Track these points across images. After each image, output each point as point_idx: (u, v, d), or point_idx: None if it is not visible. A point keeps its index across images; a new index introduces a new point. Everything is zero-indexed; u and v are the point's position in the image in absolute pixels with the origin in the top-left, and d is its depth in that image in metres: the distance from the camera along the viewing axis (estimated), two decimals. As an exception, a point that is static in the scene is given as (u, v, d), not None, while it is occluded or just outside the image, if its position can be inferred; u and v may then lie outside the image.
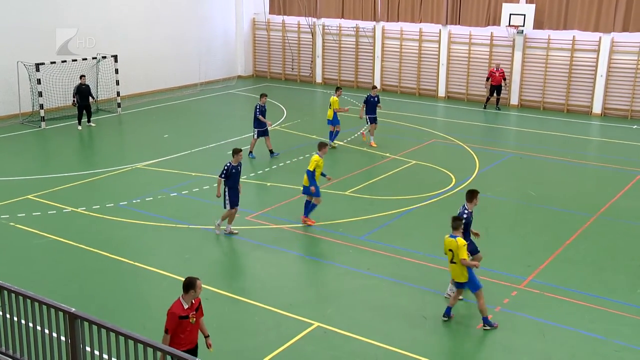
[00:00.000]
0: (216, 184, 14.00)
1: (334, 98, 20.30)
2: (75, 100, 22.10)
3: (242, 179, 17.22)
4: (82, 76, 22.23)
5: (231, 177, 13.51)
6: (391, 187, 16.86)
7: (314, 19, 31.11)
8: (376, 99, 20.39)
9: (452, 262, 10.38)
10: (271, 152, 19.31)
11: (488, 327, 10.40)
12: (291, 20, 31.87)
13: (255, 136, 19.14)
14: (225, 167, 13.49)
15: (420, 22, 28.28)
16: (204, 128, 23.00)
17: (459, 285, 10.49)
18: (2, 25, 22.94)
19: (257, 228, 14.33)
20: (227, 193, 13.62)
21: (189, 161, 18.95)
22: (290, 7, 31.65)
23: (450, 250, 10.35)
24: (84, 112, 22.27)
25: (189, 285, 7.79)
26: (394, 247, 13.29)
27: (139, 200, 15.64)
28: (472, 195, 11.26)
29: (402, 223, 14.69)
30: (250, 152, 19.30)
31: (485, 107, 26.24)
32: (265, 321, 10.59)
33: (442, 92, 28.44)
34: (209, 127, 23.08)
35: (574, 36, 25.35)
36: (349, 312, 10.87)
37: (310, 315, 10.66)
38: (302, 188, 14.55)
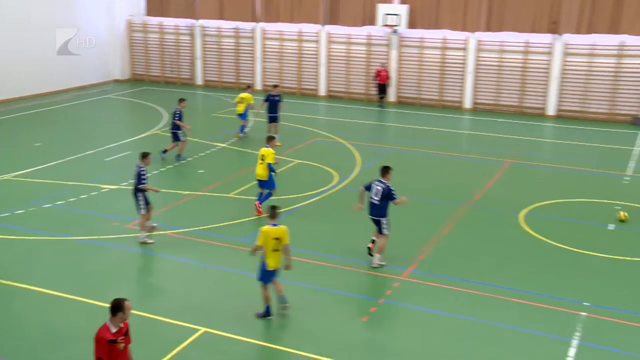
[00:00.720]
0: (145, 191, 13.45)
1: (247, 95, 21.28)
2: None
3: (122, 185, 16.76)
4: None
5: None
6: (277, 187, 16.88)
7: (193, 21, 30.61)
8: (278, 97, 20.67)
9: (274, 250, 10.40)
10: (179, 156, 19.17)
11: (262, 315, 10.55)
12: (169, 21, 31.20)
13: (180, 139, 19.08)
14: (143, 172, 13.32)
15: (300, 22, 28.59)
16: (80, 135, 22.02)
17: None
18: None
19: (137, 235, 13.88)
20: (142, 197, 13.36)
21: (64, 170, 18.06)
22: (168, 8, 31.02)
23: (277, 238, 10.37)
24: None
25: (117, 307, 7.17)
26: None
27: (8, 214, 14.70)
28: (386, 170, 12.56)
29: (287, 222, 14.66)
30: (179, 155, 19.15)
31: (380, 106, 26.82)
32: (149, 330, 10.30)
33: (322, 91, 28.90)
34: (85, 134, 22.13)
35: (444, 35, 26.59)
36: (237, 315, 10.78)
37: (195, 321, 10.48)
38: (257, 182, 15.01)
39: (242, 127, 21.64)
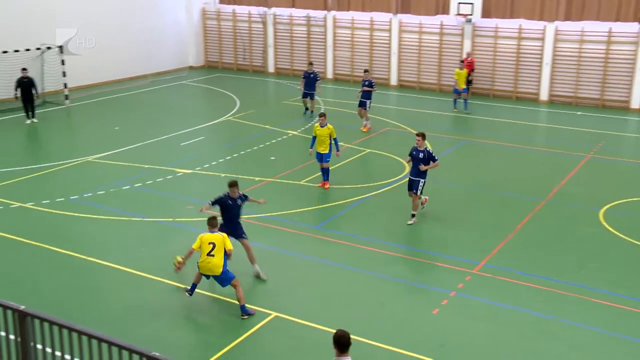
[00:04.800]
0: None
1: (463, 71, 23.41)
2: (16, 94, 21.38)
3: (196, 169, 17.11)
4: (23, 69, 21.52)
5: (225, 208, 11.56)
6: (345, 176, 16.89)
7: (265, 9, 30.86)
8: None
9: (209, 254, 10.13)
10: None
11: (246, 316, 10.22)
12: (242, 9, 31.54)
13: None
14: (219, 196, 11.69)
15: (371, 11, 28.36)
16: (156, 120, 22.61)
17: (217, 279, 10.28)
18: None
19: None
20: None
21: (141, 153, 18.60)
22: (241, -4, 31.34)
23: (212, 243, 10.15)
24: (28, 106, 21.57)
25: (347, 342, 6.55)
26: (349, 235, 13.33)
27: (90, 194, 15.27)
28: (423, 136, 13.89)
29: (357, 211, 14.74)
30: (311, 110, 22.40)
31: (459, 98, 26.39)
32: (224, 312, 10.50)
33: (394, 81, 28.63)
34: (162, 119, 22.69)
35: (520, 25, 25.82)
36: (306, 301, 10.87)
37: (268, 305, 10.61)
38: (322, 155, 15.57)
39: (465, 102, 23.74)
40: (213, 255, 10.14)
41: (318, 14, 29.62)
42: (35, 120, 21.75)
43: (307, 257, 12.49)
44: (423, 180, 13.92)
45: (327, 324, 10.09)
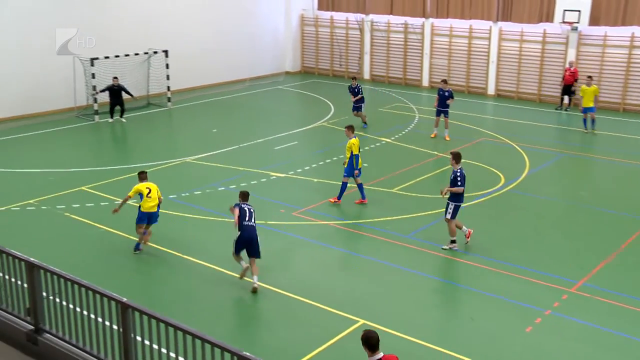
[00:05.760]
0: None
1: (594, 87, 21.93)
2: (97, 92, 22.65)
3: (289, 174, 17.41)
4: (114, 78, 22.66)
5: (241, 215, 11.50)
6: (439, 186, 16.63)
7: (362, 15, 31.00)
8: (447, 93, 20.73)
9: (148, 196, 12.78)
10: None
11: (137, 251, 12.60)
12: (339, 16, 31.83)
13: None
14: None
15: (470, 18, 27.88)
16: (252, 123, 23.18)
17: None
18: (63, 23, 23.48)
19: (303, 224, 14.38)
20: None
21: (237, 156, 19.14)
22: (339, 3, 31.61)
23: (148, 188, 12.81)
24: (118, 107, 22.76)
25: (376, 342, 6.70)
26: (440, 246, 13.14)
27: (187, 194, 15.87)
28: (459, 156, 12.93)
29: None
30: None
31: (559, 108, 25.52)
32: (310, 317, 10.62)
33: (491, 90, 27.99)
34: (257, 123, 23.24)
35: (632, 33, 24.58)
36: (395, 310, 10.81)
37: (355, 313, 10.64)
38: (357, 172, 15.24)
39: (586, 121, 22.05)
40: (150, 197, 12.66)
41: (416, 21, 29.43)
42: (123, 120, 22.83)
43: (397, 266, 12.42)
44: (453, 204, 12.81)
45: (413, 334, 9.99)
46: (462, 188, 12.75)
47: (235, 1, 29.86)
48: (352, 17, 31.22)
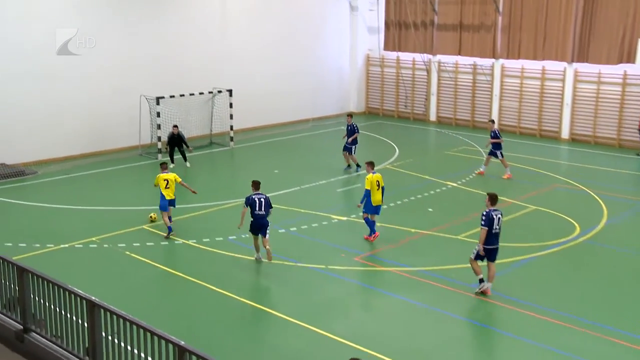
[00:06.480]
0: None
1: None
2: (167, 148, 22.99)
3: (351, 217, 17.42)
4: (174, 126, 22.87)
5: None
6: (507, 234, 16.24)
7: (430, 56, 31.13)
8: (492, 133, 21.25)
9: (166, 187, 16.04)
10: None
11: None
12: (406, 56, 32.07)
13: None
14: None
15: (543, 59, 27.55)
16: (314, 164, 23.40)
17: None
18: (131, 63, 24.60)
19: (364, 270, 14.32)
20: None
21: (298, 197, 19.32)
22: (406, 43, 31.89)
23: (166, 180, 16.03)
24: (179, 153, 22.83)
25: None
26: (509, 298, 12.81)
27: (247, 235, 16.05)
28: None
29: (519, 273, 14.16)
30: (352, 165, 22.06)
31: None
32: (371, 368, 10.48)
33: (565, 134, 27.42)
34: (319, 163, 23.45)
35: None
36: (459, 365, 10.55)
37: (418, 366, 10.44)
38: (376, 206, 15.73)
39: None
40: (169, 188, 15.76)
41: (485, 61, 29.34)
42: (188, 165, 22.80)
43: (461, 318, 12.17)
44: (478, 245, 12.86)
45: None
46: (485, 229, 12.60)
47: (301, 41, 30.55)
48: (419, 57, 31.40)
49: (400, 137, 27.70)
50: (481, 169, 21.74)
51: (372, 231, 15.83)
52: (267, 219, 14.11)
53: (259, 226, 14.03)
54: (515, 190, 19.82)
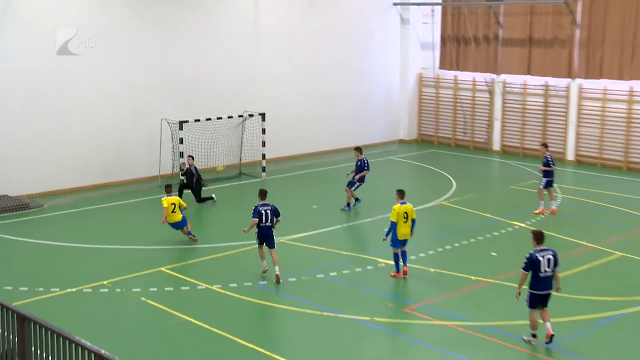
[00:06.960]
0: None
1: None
2: (182, 180, 22.67)
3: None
4: (189, 157, 22.67)
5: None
6: (589, 285, 15.92)
7: (493, 76, 30.99)
8: (544, 159, 21.46)
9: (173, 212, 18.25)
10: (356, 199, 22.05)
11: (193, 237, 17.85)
12: (465, 76, 32.01)
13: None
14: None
15: (631, 79, 27.13)
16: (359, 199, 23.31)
17: None
18: (154, 84, 25.09)
19: (416, 323, 14.08)
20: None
21: (339, 237, 19.23)
22: (465, 61, 31.85)
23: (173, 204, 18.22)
24: (191, 192, 22.38)
25: None
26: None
27: (281, 281, 16.00)
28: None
29: (606, 332, 13.74)
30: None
31: None
32: None
33: (658, 164, 26.88)
34: (365, 199, 23.32)
35: None
36: None
37: None
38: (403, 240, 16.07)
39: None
40: (175, 213, 17.99)
41: (559, 82, 29.05)
42: (214, 199, 22.58)
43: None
44: (528, 291, 13.09)
45: None
46: (526, 273, 12.84)
47: (343, 58, 30.71)
48: (481, 77, 31.28)
49: (458, 169, 27.46)
50: (552, 207, 21.44)
51: (397, 268, 16.21)
52: (273, 229, 16.06)
53: (264, 237, 15.98)
54: (597, 233, 19.40)
